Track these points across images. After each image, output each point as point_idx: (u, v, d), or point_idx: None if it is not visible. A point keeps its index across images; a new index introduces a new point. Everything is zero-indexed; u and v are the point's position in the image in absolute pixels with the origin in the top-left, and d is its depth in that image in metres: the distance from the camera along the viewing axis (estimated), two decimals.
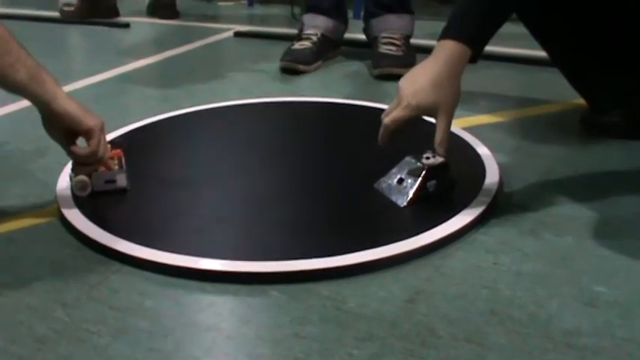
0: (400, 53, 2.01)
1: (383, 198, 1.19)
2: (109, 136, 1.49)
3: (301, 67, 2.04)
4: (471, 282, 0.99)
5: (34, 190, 1.28)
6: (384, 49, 2.02)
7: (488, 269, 1.02)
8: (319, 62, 2.11)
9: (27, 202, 1.24)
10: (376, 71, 1.98)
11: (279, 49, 2.14)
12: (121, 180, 1.23)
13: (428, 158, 1.19)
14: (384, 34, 2.07)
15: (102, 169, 1.21)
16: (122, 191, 1.23)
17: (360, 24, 2.24)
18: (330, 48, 2.17)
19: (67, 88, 1.88)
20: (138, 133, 1.54)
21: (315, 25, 2.15)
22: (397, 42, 2.04)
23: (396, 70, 1.91)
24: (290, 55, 2.06)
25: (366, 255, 1.02)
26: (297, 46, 2.10)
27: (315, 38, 2.11)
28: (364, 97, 1.76)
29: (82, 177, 1.21)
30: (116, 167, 1.23)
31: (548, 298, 0.95)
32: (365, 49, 2.17)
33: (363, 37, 2.21)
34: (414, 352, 0.84)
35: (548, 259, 1.04)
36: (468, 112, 1.64)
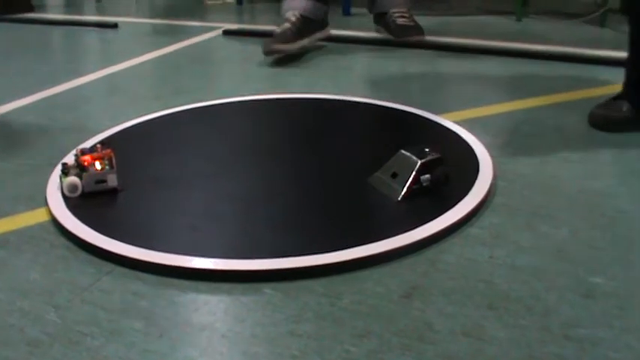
0: (413, 23, 2.32)
1: (377, 193, 1.19)
2: (100, 137, 1.49)
3: (280, 46, 2.12)
4: (467, 276, 0.98)
5: (25, 192, 1.27)
6: (400, 21, 2.32)
7: (484, 263, 1.01)
8: (303, 41, 2.19)
9: (18, 204, 1.23)
10: (402, 39, 2.29)
11: None
12: (112, 180, 1.21)
13: (421, 152, 1.18)
14: (394, 10, 2.35)
15: (92, 169, 1.20)
16: (113, 191, 1.22)
17: (349, 20, 2.25)
18: (312, 28, 2.25)
19: (57, 90, 1.87)
20: (128, 132, 1.52)
21: (293, 7, 2.23)
22: (406, 14, 2.35)
23: (415, 38, 2.29)
24: (269, 39, 2.14)
25: (360, 251, 1.01)
26: (277, 30, 2.19)
27: (293, 19, 2.19)
28: (353, 93, 1.76)
29: (73, 178, 1.20)
30: (107, 167, 1.22)
31: (545, 291, 0.94)
32: (350, 44, 2.17)
33: (348, 32, 2.20)
34: (411, 348, 0.83)
35: (543, 251, 1.04)
36: (460, 105, 1.63)
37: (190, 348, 0.85)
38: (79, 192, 1.20)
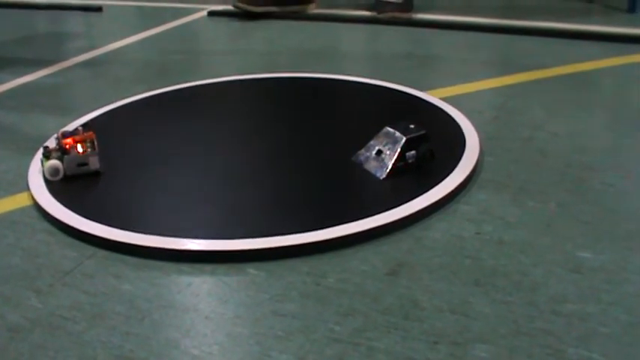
0: (400, 0, 2.35)
1: (362, 171, 1.17)
2: (82, 120, 1.47)
3: (242, 5, 2.38)
4: (453, 252, 0.97)
5: (7, 177, 1.26)
6: None
7: (470, 239, 1.00)
8: (271, 8, 2.39)
9: None
10: (381, 15, 2.31)
11: (254, 27, 2.11)
12: (94, 163, 1.20)
13: (407, 129, 1.16)
14: None
15: (74, 152, 1.19)
16: (95, 174, 1.20)
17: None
18: (288, 0, 2.43)
19: (41, 74, 1.85)
20: (111, 115, 1.50)
21: None
22: None
23: (397, 14, 2.30)
24: None
25: (345, 229, 1.00)
26: None
27: None
28: (339, 71, 1.74)
29: (54, 161, 1.18)
30: (88, 150, 1.20)
31: (533, 266, 0.93)
32: (336, 23, 2.15)
33: (332, 11, 2.19)
34: (397, 326, 0.82)
35: (531, 226, 1.03)
36: (447, 82, 1.62)
37: (173, 330, 0.84)
38: (60, 175, 1.19)
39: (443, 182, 1.12)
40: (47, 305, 0.89)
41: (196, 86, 1.68)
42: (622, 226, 1.02)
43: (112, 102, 1.58)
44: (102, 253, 1.01)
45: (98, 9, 2.68)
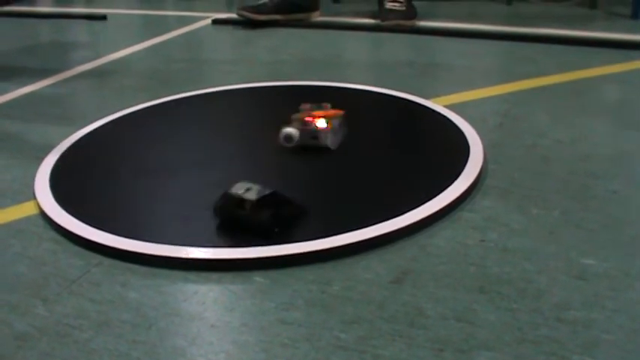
0: (403, 8, 2.37)
1: (364, 177, 1.18)
2: (87, 129, 1.47)
3: (246, 13, 2.43)
4: (458, 260, 0.97)
5: (13, 187, 1.26)
6: (389, 5, 2.39)
7: (475, 246, 1.00)
8: (275, 16, 2.43)
9: (5, 198, 1.22)
10: (385, 23, 2.33)
11: (258, 35, 2.12)
12: (324, 139, 1.28)
13: (249, 189, 1.06)
14: None
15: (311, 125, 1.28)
16: (326, 149, 1.28)
17: (338, 7, 2.24)
18: (293, 9, 2.46)
19: (45, 83, 1.86)
20: (115, 123, 1.51)
21: None
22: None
23: (401, 22, 2.31)
24: (246, 5, 2.45)
25: (350, 237, 1.00)
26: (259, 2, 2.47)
27: None
28: (344, 79, 1.75)
29: (290, 129, 1.27)
30: (327, 126, 1.28)
31: (537, 273, 0.93)
32: (340, 31, 2.16)
33: (337, 19, 2.20)
34: (402, 333, 0.83)
35: (535, 234, 1.03)
36: (450, 89, 1.63)
37: (179, 338, 0.84)
38: (294, 143, 1.28)
39: (447, 190, 1.13)
40: (54, 314, 0.90)
41: (201, 95, 1.68)
42: (626, 232, 1.02)
43: (116, 111, 1.59)
44: (108, 261, 1.01)
45: (102, 17, 2.70)
